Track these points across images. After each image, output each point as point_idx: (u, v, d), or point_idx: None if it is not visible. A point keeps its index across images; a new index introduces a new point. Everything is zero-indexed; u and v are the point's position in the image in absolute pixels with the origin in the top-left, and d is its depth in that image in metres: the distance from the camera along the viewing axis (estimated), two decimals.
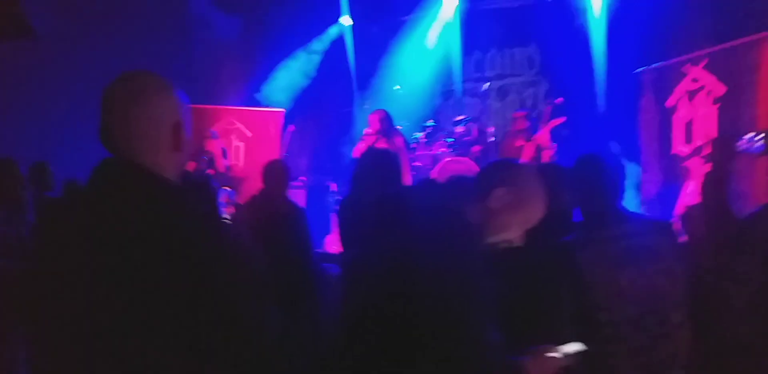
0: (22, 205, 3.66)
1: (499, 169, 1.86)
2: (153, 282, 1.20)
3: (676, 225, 5.60)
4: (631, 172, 6.83)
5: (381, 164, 3.47)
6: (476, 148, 7.85)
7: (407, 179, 3.67)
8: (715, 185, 2.53)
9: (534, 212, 1.76)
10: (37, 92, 6.61)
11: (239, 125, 8.01)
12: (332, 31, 9.54)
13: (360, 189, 3.49)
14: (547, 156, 6.11)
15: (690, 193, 5.87)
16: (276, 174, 4.43)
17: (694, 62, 5.97)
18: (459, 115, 8.41)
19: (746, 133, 5.02)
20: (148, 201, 1.27)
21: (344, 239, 3.60)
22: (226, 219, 3.03)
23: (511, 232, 1.74)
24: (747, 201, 4.71)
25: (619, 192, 2.38)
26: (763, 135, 2.39)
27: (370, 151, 3.53)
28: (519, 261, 1.74)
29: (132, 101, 1.32)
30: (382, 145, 6.52)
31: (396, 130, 6.61)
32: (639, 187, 6.55)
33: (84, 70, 6.68)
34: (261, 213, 4.38)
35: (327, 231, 7.42)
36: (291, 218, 4.25)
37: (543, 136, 6.17)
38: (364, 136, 6.62)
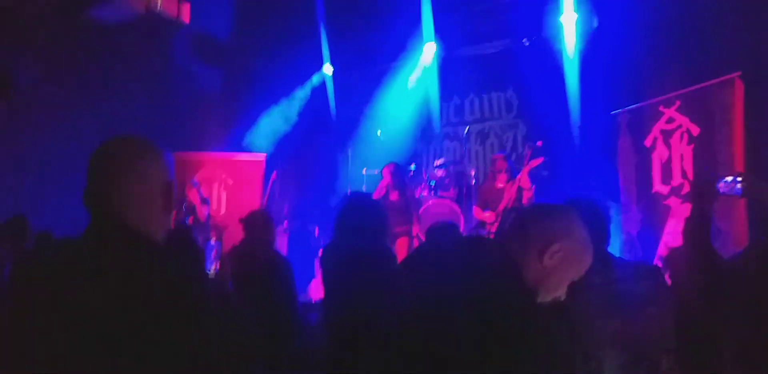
0: None
1: (548, 218, 1.56)
2: (132, 345, 1.17)
3: (659, 265, 5.63)
4: (612, 211, 6.91)
5: (364, 211, 3.45)
6: (457, 191, 7.90)
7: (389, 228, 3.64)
8: (697, 228, 2.53)
9: (586, 264, 1.56)
10: (18, 146, 6.58)
11: (221, 172, 8.00)
12: (314, 79, 9.71)
13: (343, 236, 3.47)
14: (526, 197, 6.16)
15: (671, 233, 5.94)
16: (258, 223, 4.41)
17: (668, 104, 6.14)
18: (439, 159, 8.49)
19: (723, 172, 5.16)
20: (137, 264, 1.26)
21: (327, 286, 3.55)
22: (210, 275, 2.96)
23: (562, 289, 1.54)
24: (729, 242, 4.76)
25: (606, 237, 2.39)
26: (741, 177, 2.41)
27: (354, 198, 3.51)
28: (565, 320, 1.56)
29: (125, 164, 1.34)
30: (395, 197, 6.58)
31: (408, 181, 6.71)
32: (620, 227, 6.60)
33: (66, 124, 6.70)
34: (244, 264, 4.33)
35: (311, 277, 7.34)
36: (274, 268, 4.20)
37: (523, 177, 6.23)
38: (378, 188, 6.71)
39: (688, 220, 2.63)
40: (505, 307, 1.32)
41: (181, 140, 8.34)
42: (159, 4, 5.29)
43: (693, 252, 2.73)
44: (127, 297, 1.19)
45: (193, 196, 7.40)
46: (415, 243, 6.95)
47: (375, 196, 6.64)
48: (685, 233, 2.71)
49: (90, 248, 1.30)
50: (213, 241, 6.99)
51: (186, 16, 5.72)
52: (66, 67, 6.82)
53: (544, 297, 1.51)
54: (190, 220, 7.10)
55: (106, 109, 7.10)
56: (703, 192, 2.54)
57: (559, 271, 1.49)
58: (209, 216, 7.32)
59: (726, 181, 2.52)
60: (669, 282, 4.84)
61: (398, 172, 6.74)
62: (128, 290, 1.20)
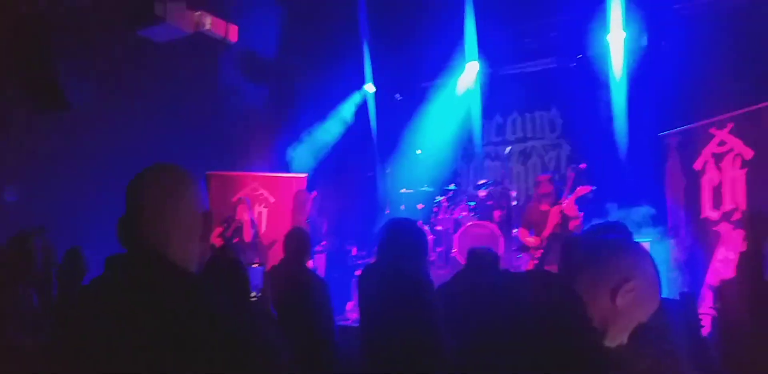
0: (43, 280, 3.67)
1: (621, 253, 1.42)
2: None
3: (708, 295, 5.41)
4: (659, 235, 6.70)
5: (405, 235, 3.43)
6: (498, 212, 7.79)
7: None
8: (751, 262, 2.42)
9: (656, 305, 1.42)
10: (70, 163, 6.79)
11: (263, 191, 8.09)
12: (356, 98, 9.78)
13: (382, 259, 3.45)
14: (573, 225, 5.98)
15: (721, 260, 5.71)
16: (297, 243, 4.43)
17: (719, 126, 5.93)
18: (481, 179, 8.41)
19: None
20: (176, 297, 1.26)
21: (363, 310, 3.52)
22: (254, 299, 2.97)
23: (627, 332, 1.40)
24: None
25: None
26: None
27: (395, 221, 3.48)
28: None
29: (163, 193, 1.35)
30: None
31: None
32: (668, 253, 6.38)
33: (117, 140, 6.89)
34: (282, 284, 4.34)
35: (348, 297, 7.33)
36: (311, 289, 4.20)
37: (569, 205, 6.04)
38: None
39: (742, 254, 2.52)
40: (572, 351, 1.21)
41: (226, 158, 8.49)
42: (208, 24, 5.44)
43: (746, 286, 2.61)
44: (167, 331, 1.20)
45: (241, 215, 7.50)
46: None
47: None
48: (739, 267, 2.59)
49: (128, 281, 1.30)
50: (256, 264, 7.06)
51: (234, 36, 5.85)
52: (118, 84, 7.04)
53: (612, 341, 1.38)
54: (236, 240, 7.18)
55: (156, 126, 7.29)
56: (757, 228, 2.43)
57: (630, 313, 1.37)
58: (256, 235, 7.39)
59: None
60: (715, 312, 4.66)
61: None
62: (166, 324, 1.21)
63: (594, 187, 6.22)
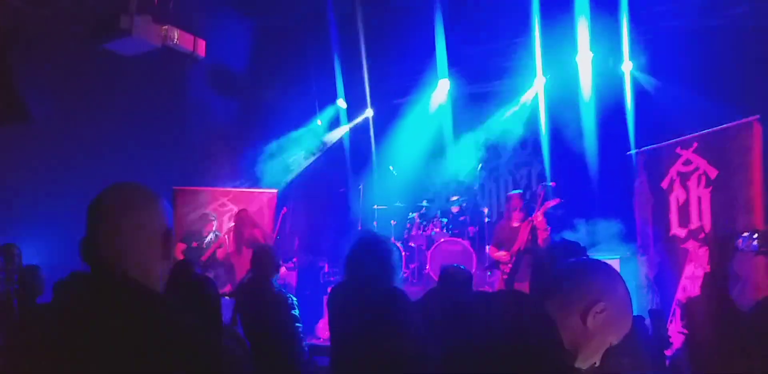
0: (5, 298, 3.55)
1: (591, 275, 1.42)
2: None
3: (677, 311, 5.44)
4: (628, 252, 6.76)
5: (374, 251, 3.36)
6: (471, 228, 7.79)
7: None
8: (716, 282, 2.43)
9: (627, 326, 1.41)
10: (32, 177, 6.61)
11: (231, 206, 7.95)
12: (327, 113, 9.75)
13: (352, 276, 3.37)
14: (542, 238, 6.01)
15: (689, 277, 5.77)
16: (264, 260, 4.34)
17: (685, 145, 6.04)
18: (453, 196, 8.41)
19: (740, 217, 5.02)
20: (137, 315, 1.23)
21: (334, 328, 3.44)
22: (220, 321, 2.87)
23: (599, 354, 1.39)
24: (747, 290, 4.60)
25: None
26: (757, 234, 2.32)
27: (364, 237, 3.41)
28: None
29: (121, 213, 1.33)
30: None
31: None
32: (636, 270, 6.43)
33: (81, 154, 6.73)
34: (249, 301, 4.25)
35: (320, 314, 7.21)
36: (278, 306, 4.11)
37: (538, 217, 6.09)
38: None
39: (707, 275, 2.54)
40: (539, 367, 1.21)
41: (194, 173, 8.35)
42: (175, 38, 5.36)
43: (711, 304, 2.63)
44: (128, 348, 1.18)
45: (208, 230, 7.36)
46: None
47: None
48: (704, 286, 2.61)
49: (88, 299, 1.27)
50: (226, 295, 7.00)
51: (202, 50, 5.78)
52: (83, 97, 6.89)
53: (583, 362, 1.37)
54: (204, 257, 7.03)
55: (122, 140, 7.14)
56: (721, 248, 2.46)
57: (601, 334, 1.37)
58: (218, 250, 7.25)
59: (744, 237, 2.44)
60: (685, 329, 4.69)
61: None
62: (129, 341, 1.18)
63: (562, 200, 6.26)
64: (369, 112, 9.67)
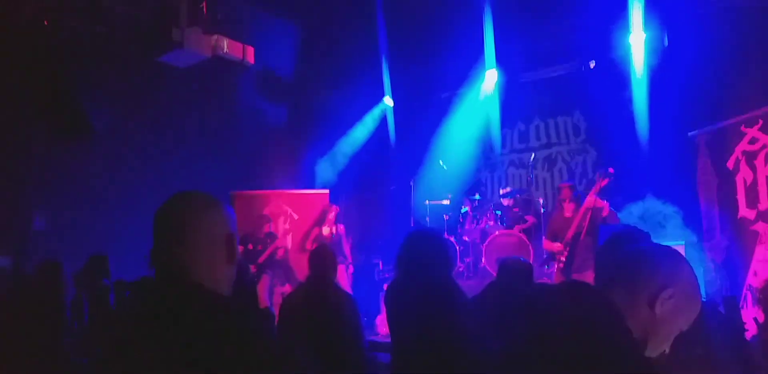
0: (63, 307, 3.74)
1: (657, 260, 1.40)
2: None
3: (749, 296, 5.22)
4: (694, 237, 6.53)
5: (427, 245, 3.34)
6: (526, 220, 7.66)
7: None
8: None
9: (696, 311, 1.39)
10: (96, 189, 6.89)
11: (287, 208, 8.10)
12: (375, 112, 9.78)
13: (406, 272, 3.36)
14: (603, 216, 5.78)
15: (762, 260, 5.52)
16: (323, 260, 4.38)
17: (749, 123, 5.78)
18: (505, 188, 8.30)
19: None
20: (204, 320, 1.27)
21: (393, 326, 3.44)
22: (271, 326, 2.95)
23: (669, 341, 1.37)
24: None
25: None
26: None
27: (415, 233, 3.40)
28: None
29: (187, 220, 1.39)
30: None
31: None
32: (703, 255, 6.20)
33: (141, 164, 6.98)
34: (310, 302, 4.30)
35: (377, 311, 7.25)
36: (340, 306, 4.14)
37: (591, 199, 5.87)
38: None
39: None
40: (612, 365, 1.18)
41: (249, 177, 8.54)
42: (225, 48, 5.50)
43: None
44: (198, 355, 1.22)
45: (265, 232, 7.51)
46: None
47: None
48: None
49: (158, 307, 1.32)
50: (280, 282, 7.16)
51: (251, 57, 5.91)
52: (140, 109, 7.16)
53: (653, 351, 1.35)
54: (261, 259, 7.18)
55: (179, 149, 7.37)
56: None
57: (670, 321, 1.34)
58: (276, 252, 7.39)
59: None
60: (763, 315, 4.48)
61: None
62: (197, 347, 1.22)
63: (611, 177, 5.98)
64: (417, 107, 9.65)
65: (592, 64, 8.30)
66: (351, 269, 7.94)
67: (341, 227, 7.73)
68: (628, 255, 1.44)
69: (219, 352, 1.22)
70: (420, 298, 3.15)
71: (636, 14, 7.50)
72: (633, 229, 2.76)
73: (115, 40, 6.22)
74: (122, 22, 6.19)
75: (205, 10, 6.08)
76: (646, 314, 1.32)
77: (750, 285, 5.50)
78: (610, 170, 5.95)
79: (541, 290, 1.54)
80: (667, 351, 1.38)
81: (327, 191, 8.36)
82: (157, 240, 1.39)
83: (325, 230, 7.62)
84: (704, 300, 5.94)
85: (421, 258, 3.24)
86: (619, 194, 6.95)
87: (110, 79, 6.37)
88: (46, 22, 6.45)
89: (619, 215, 6.53)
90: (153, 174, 7.19)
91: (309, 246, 7.45)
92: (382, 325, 6.93)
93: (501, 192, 8.17)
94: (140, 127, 6.98)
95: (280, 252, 7.37)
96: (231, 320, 1.30)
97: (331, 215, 7.71)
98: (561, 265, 5.97)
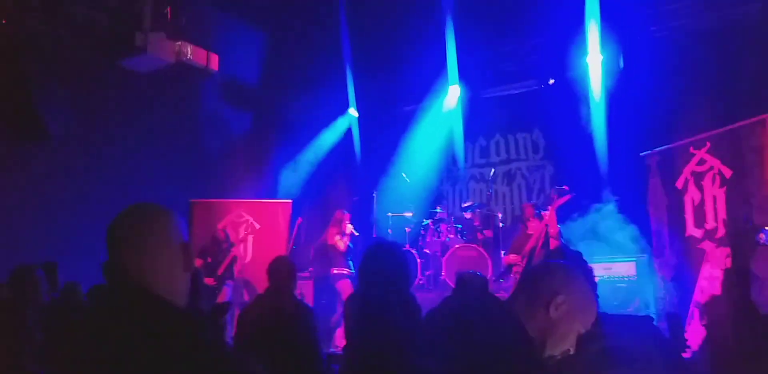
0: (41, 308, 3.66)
1: (551, 273, 1.68)
2: None
3: (696, 313, 5.42)
4: (645, 254, 6.74)
5: (388, 259, 3.39)
6: (484, 234, 7.79)
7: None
8: (737, 279, 2.45)
9: (591, 316, 1.64)
10: (51, 193, 6.72)
11: (248, 217, 8.04)
12: (339, 123, 9.81)
13: (367, 285, 3.40)
14: (552, 234, 5.99)
15: (707, 278, 5.73)
16: (282, 271, 4.37)
17: (698, 145, 6.02)
18: (466, 201, 8.42)
19: (758, 216, 4.99)
20: (160, 332, 1.28)
21: (349, 336, 3.46)
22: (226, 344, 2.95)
23: (568, 342, 1.60)
24: (765, 295, 4.57)
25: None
26: None
27: (377, 245, 3.44)
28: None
29: (143, 232, 1.41)
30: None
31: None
32: (653, 272, 6.41)
33: (99, 169, 6.84)
34: (267, 314, 4.28)
35: (337, 323, 7.23)
36: (298, 318, 4.13)
37: (550, 215, 6.08)
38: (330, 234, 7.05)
39: (727, 273, 2.56)
40: (511, 362, 1.43)
41: (211, 185, 8.45)
42: (189, 54, 5.45)
43: (731, 304, 2.65)
44: (152, 365, 1.22)
45: (223, 246, 7.41)
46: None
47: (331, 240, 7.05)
48: (724, 285, 2.63)
49: (114, 315, 1.33)
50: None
51: (215, 65, 5.88)
52: (99, 113, 7.02)
53: (553, 349, 1.57)
54: (219, 271, 7.09)
55: (139, 155, 7.25)
56: (741, 245, 2.49)
57: (565, 323, 1.56)
58: (234, 262, 7.30)
59: (765, 231, 2.45)
60: (704, 330, 4.66)
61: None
62: (153, 358, 1.22)
63: (573, 194, 6.26)
64: (381, 120, 9.72)
65: (551, 81, 8.53)
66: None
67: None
68: (530, 270, 1.83)
69: (175, 364, 1.22)
70: (377, 311, 3.19)
71: (593, 36, 7.76)
72: (569, 251, 2.92)
73: (76, 42, 6.11)
74: (83, 25, 6.09)
75: (169, 15, 6.03)
76: (543, 317, 1.56)
77: (697, 302, 5.70)
78: (565, 187, 6.13)
79: (466, 305, 1.89)
80: (572, 350, 1.60)
81: (290, 201, 8.33)
82: (113, 249, 1.39)
83: (340, 243, 7.10)
84: (654, 315, 6.14)
85: (382, 271, 3.28)
86: (575, 209, 7.16)
87: (69, 82, 6.24)
88: (3, 21, 6.30)
89: (573, 229, 6.77)
90: (111, 180, 7.06)
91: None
92: (341, 338, 6.92)
93: (463, 205, 8.28)
94: (99, 131, 6.85)
95: (238, 264, 7.30)
96: (188, 330, 1.30)
97: (347, 225, 7.21)
98: (517, 276, 6.11)
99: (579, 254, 2.74)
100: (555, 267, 1.70)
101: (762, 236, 2.38)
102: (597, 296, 2.58)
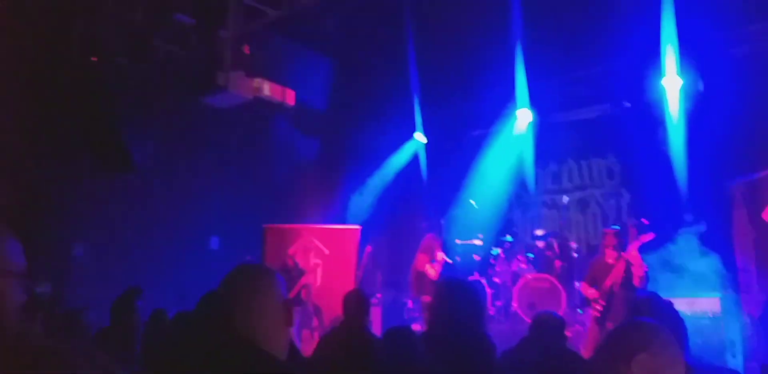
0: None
1: (635, 331, 1.71)
2: None
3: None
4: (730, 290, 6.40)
5: (460, 297, 3.37)
6: (558, 264, 7.60)
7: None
8: None
9: (676, 372, 1.63)
10: (135, 222, 7.06)
11: (317, 243, 8.17)
12: (407, 149, 9.87)
13: (439, 324, 3.38)
14: (637, 275, 5.76)
15: None
16: (355, 304, 4.41)
17: None
18: (537, 229, 8.26)
19: None
20: None
21: None
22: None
23: None
24: None
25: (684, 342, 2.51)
26: None
27: (448, 283, 3.42)
28: None
29: (253, 288, 1.58)
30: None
31: None
32: (739, 309, 6.07)
33: (179, 199, 7.15)
34: (342, 348, 4.32)
35: None
36: (369, 352, 4.16)
37: (631, 253, 5.84)
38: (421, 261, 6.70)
39: None
40: None
41: (282, 211, 8.66)
42: (266, 91, 5.68)
43: None
44: None
45: (292, 272, 7.56)
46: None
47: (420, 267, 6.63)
48: None
49: (221, 365, 1.46)
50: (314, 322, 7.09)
51: (291, 99, 6.09)
52: (179, 144, 7.36)
53: None
54: (291, 295, 7.23)
55: (216, 184, 7.54)
56: None
57: None
58: (303, 289, 7.43)
59: None
60: None
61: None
62: None
63: (656, 234, 6.01)
64: (450, 145, 9.71)
65: (627, 105, 8.30)
66: None
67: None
68: (619, 326, 1.81)
69: None
70: (452, 352, 3.17)
71: (670, 58, 7.52)
72: (655, 300, 2.81)
73: (161, 80, 6.45)
74: (168, 62, 6.42)
75: (247, 51, 6.28)
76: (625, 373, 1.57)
77: None
78: (645, 221, 5.91)
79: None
80: None
81: (359, 226, 8.42)
82: (225, 307, 1.55)
83: (432, 270, 6.83)
84: (740, 354, 5.81)
85: (454, 311, 3.26)
86: (655, 239, 6.88)
87: (154, 116, 6.59)
88: (94, 59, 6.72)
89: (653, 260, 6.49)
90: (190, 208, 7.36)
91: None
92: None
93: (535, 233, 8.13)
94: (180, 162, 7.19)
95: (304, 291, 7.42)
96: None
97: (438, 252, 6.93)
98: (597, 314, 5.91)
99: (670, 304, 2.65)
100: (643, 325, 1.72)
101: None
102: (687, 349, 2.50)
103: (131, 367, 3.54)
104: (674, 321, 2.59)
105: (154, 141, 6.52)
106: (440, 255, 6.90)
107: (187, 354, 1.66)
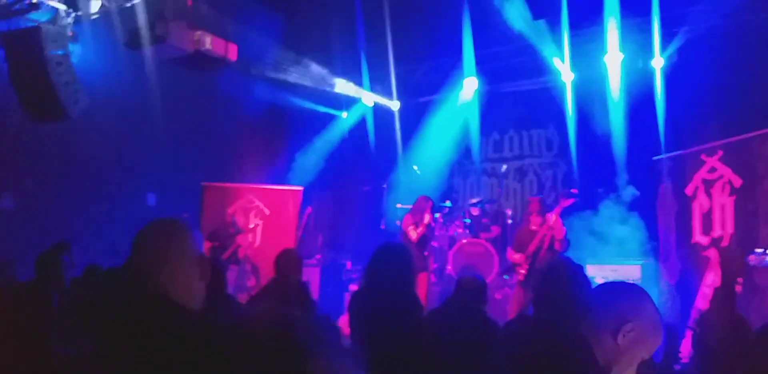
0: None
1: (621, 297, 1.62)
2: None
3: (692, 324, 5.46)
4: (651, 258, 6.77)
5: (394, 260, 3.49)
6: (493, 229, 7.84)
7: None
8: (726, 299, 2.50)
9: (657, 343, 1.61)
10: (66, 173, 6.87)
11: (258, 203, 8.14)
12: (355, 111, 9.84)
13: (371, 284, 3.51)
14: (557, 239, 6.01)
15: (710, 285, 5.76)
16: (287, 263, 4.48)
17: (710, 153, 6.00)
18: (476, 196, 8.45)
19: (763, 229, 5.00)
20: (175, 332, 1.43)
21: (353, 332, 3.58)
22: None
23: (633, 367, 1.59)
24: (766, 308, 4.60)
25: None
26: None
27: (385, 247, 3.54)
28: None
29: (166, 245, 1.59)
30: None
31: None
32: (658, 276, 6.44)
33: (113, 151, 6.96)
34: (276, 303, 4.39)
35: (341, 310, 7.34)
36: (301, 305, 4.26)
37: (552, 217, 6.07)
38: (408, 221, 6.68)
39: (716, 290, 2.61)
40: None
41: (223, 170, 8.56)
42: (208, 44, 5.53)
43: (720, 319, 2.71)
44: (171, 359, 1.36)
45: (231, 231, 7.53)
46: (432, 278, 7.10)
47: (405, 227, 6.69)
48: (713, 302, 2.69)
49: (136, 318, 1.50)
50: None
51: (233, 54, 5.94)
52: (117, 96, 7.11)
53: None
54: (225, 255, 7.22)
55: (153, 137, 7.36)
56: (732, 264, 2.54)
57: (632, 350, 1.53)
58: (239, 249, 7.43)
59: (756, 254, 2.49)
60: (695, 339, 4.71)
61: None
62: (172, 361, 1.35)
63: (576, 199, 6.26)
64: (395, 107, 9.72)
65: (567, 78, 8.47)
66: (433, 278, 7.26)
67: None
68: (594, 293, 1.70)
69: (188, 361, 1.31)
70: (382, 311, 3.30)
71: (612, 34, 7.69)
72: (567, 264, 2.96)
73: (99, 26, 6.18)
74: (108, 11, 6.14)
75: (190, 2, 6.07)
76: (610, 345, 1.52)
77: (698, 309, 5.74)
78: (574, 191, 6.14)
79: (519, 324, 1.92)
80: None
81: (301, 188, 8.41)
82: (137, 259, 1.58)
83: (413, 233, 6.59)
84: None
85: (387, 273, 3.39)
86: (585, 207, 7.17)
87: (88, 64, 6.33)
88: None
89: (582, 227, 6.80)
90: (127, 162, 7.20)
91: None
92: (343, 326, 7.03)
93: (471, 201, 8.32)
94: (117, 115, 6.96)
95: (240, 251, 7.42)
96: (201, 332, 1.40)
97: (426, 215, 6.68)
98: (521, 278, 6.17)
99: (580, 267, 2.79)
100: (625, 291, 1.63)
101: (752, 258, 2.43)
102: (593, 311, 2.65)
103: (51, 321, 3.52)
104: (581, 283, 2.73)
105: (88, 90, 6.27)
106: (427, 218, 6.71)
107: (103, 308, 1.68)
